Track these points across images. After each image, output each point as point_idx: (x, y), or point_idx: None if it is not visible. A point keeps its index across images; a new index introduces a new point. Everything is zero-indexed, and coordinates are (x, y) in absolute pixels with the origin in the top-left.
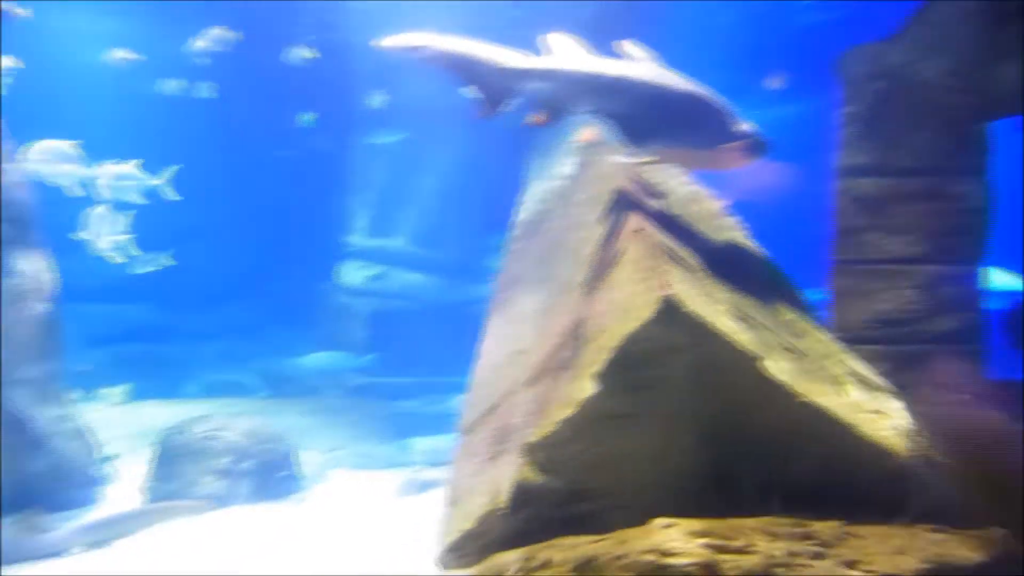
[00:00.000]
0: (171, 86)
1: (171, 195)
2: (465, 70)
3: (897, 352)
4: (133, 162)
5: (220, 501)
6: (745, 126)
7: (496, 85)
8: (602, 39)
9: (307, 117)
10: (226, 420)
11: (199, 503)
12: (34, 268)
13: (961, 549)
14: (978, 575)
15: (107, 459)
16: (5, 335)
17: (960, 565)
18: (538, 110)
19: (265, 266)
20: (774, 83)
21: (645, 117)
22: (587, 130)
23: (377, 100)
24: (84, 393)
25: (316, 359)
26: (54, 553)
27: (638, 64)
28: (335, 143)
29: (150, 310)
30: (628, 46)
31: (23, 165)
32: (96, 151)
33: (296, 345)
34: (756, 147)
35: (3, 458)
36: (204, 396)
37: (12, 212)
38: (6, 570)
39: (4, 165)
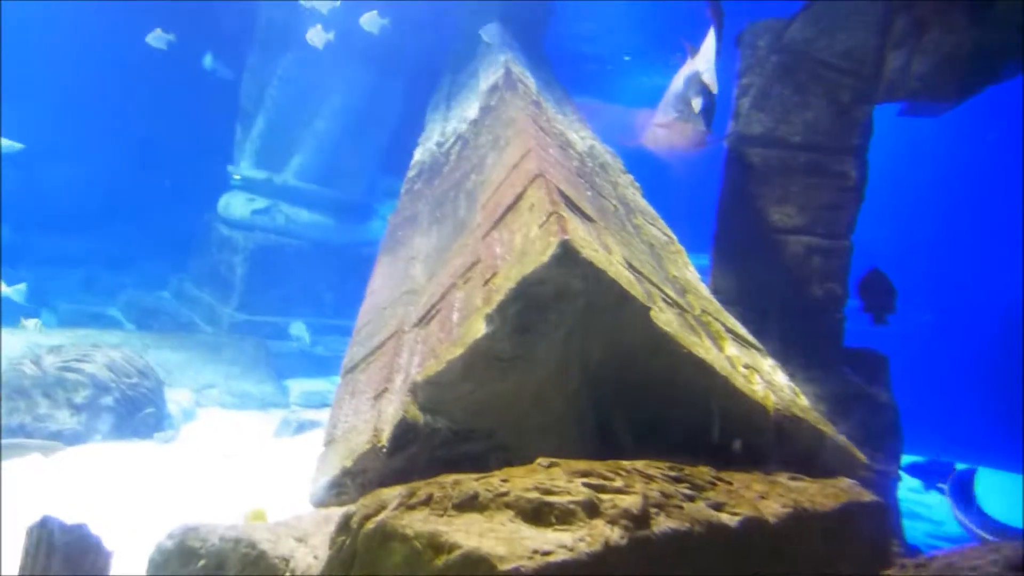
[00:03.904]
0: None
1: None
2: None
3: (767, 315)
4: None
5: (76, 438)
6: None
7: None
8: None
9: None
10: (85, 351)
11: (49, 442)
12: None
13: (817, 496)
14: (832, 520)
15: None
16: None
17: (816, 511)
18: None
19: (139, 191)
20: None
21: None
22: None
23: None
24: None
25: None
26: None
27: None
28: (228, 68)
29: (3, 230)
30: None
31: None
32: None
33: (169, 277)
34: None
35: None
36: (62, 326)
37: None
38: None
39: None
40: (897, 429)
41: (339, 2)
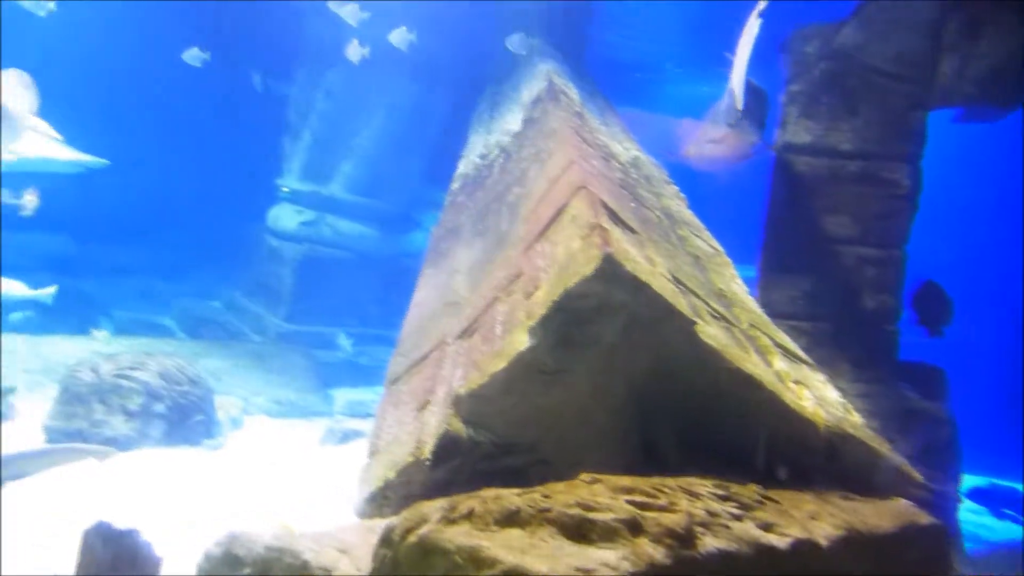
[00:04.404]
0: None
1: None
2: None
3: (816, 328)
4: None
5: (129, 443)
6: None
7: None
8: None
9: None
10: (140, 359)
11: (104, 448)
12: None
13: (872, 518)
14: (887, 543)
15: (6, 392)
16: None
17: (871, 534)
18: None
19: (192, 204)
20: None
21: None
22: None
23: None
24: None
25: None
26: None
27: None
28: (277, 83)
29: (64, 242)
30: None
31: None
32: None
33: (220, 288)
34: None
35: None
36: (117, 335)
37: None
38: None
39: None
40: (956, 447)
41: (367, 14)
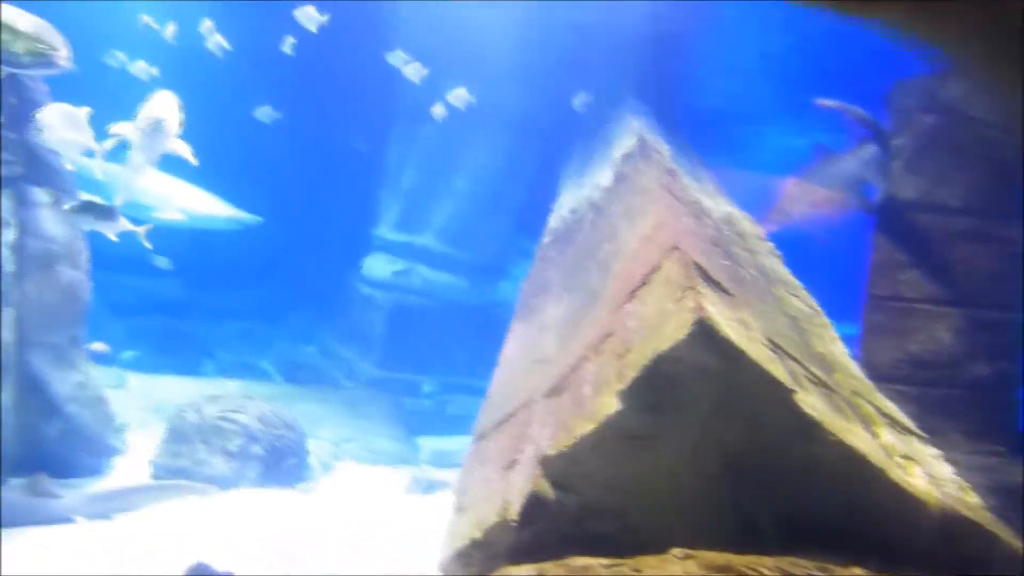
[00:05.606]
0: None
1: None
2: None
3: (925, 395)
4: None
5: (227, 483)
6: None
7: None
8: None
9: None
10: (240, 402)
11: (206, 486)
12: (66, 234)
13: None
14: None
15: (120, 429)
16: (31, 298)
17: None
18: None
19: (292, 252)
20: (825, 104)
21: None
22: None
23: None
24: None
25: None
26: (57, 519)
27: None
28: (371, 136)
29: (174, 285)
30: None
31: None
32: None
33: (316, 333)
34: None
35: (18, 420)
36: (220, 376)
37: (49, 177)
38: (7, 532)
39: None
40: None
41: (428, 70)
